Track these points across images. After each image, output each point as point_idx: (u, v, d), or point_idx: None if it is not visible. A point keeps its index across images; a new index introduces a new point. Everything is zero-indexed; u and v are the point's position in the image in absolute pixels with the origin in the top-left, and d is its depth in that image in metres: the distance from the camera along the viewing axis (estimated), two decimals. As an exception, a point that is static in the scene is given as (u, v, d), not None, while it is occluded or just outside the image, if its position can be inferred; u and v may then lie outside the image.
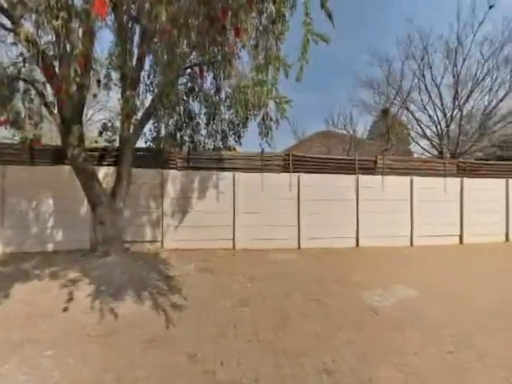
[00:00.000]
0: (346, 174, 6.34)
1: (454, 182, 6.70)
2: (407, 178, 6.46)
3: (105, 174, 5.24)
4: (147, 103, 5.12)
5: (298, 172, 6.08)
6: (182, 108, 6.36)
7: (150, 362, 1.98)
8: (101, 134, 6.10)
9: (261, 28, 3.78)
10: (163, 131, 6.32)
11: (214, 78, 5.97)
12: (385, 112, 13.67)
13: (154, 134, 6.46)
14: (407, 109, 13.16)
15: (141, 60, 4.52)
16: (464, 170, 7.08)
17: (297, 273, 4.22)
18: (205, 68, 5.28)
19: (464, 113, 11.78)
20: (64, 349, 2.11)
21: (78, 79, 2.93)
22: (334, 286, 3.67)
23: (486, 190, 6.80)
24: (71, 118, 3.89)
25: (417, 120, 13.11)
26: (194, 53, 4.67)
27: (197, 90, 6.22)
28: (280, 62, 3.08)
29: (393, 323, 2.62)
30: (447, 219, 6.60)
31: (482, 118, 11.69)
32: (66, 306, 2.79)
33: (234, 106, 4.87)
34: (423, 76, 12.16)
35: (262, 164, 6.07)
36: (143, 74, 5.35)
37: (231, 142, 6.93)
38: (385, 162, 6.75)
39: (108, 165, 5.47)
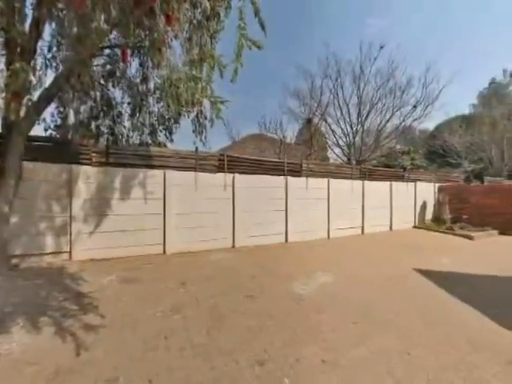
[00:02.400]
0: (277, 175, 6.86)
1: (358, 184, 8.24)
2: (325, 180, 7.53)
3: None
4: (48, 82, 4.13)
5: (232, 172, 6.16)
6: (98, 93, 5.43)
7: (52, 402, 1.60)
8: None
9: (195, 22, 3.65)
10: (72, 118, 5.23)
11: (140, 65, 5.38)
12: (308, 121, 15.53)
13: (59, 120, 5.28)
14: (325, 120, 15.38)
15: (38, 26, 3.60)
16: (364, 174, 8.81)
17: (232, 272, 4.27)
18: (129, 52, 4.68)
19: (364, 128, 14.67)
20: None
21: None
22: (267, 280, 3.90)
23: (378, 190, 8.68)
24: None
25: (332, 131, 15.50)
26: (114, 32, 4.06)
27: (118, 74, 5.45)
28: (215, 61, 3.06)
29: (315, 307, 3.00)
30: (354, 214, 8.06)
31: (376, 134, 14.84)
32: None
33: (164, 99, 4.51)
34: (337, 94, 14.47)
35: (196, 163, 5.85)
36: (42, 44, 4.29)
37: (161, 137, 6.39)
38: (308, 165, 7.66)
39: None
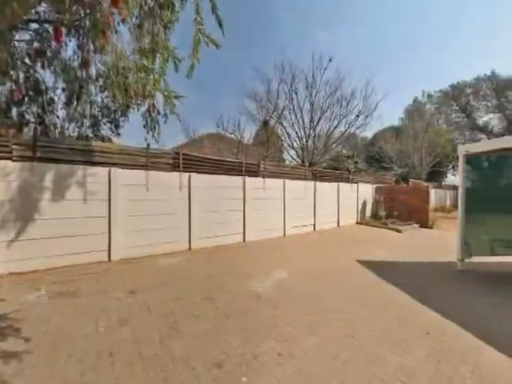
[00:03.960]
0: (235, 175, 6.86)
1: (310, 185, 8.85)
2: (281, 181, 7.86)
3: None
4: None
5: (189, 172, 5.91)
6: (21, 74, 4.56)
7: None
8: None
9: (146, 8, 3.38)
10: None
11: (79, 47, 4.71)
12: (265, 123, 15.97)
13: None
14: (281, 124, 16.05)
15: None
16: (316, 176, 9.51)
17: (188, 275, 4.10)
18: (64, 30, 4.05)
19: (316, 133, 15.83)
20: None
21: None
22: (224, 280, 3.86)
23: (328, 191, 9.48)
24: None
25: (288, 134, 16.28)
26: (45, 4, 3.47)
27: (50, 55, 4.67)
28: (169, 53, 2.88)
29: (272, 303, 3.10)
30: (307, 213, 8.62)
31: (325, 139, 16.16)
32: None
33: (109, 88, 4.05)
34: (292, 99, 15.25)
35: (147, 161, 5.41)
36: None
37: (105, 130, 5.73)
38: (265, 166, 7.88)
39: None
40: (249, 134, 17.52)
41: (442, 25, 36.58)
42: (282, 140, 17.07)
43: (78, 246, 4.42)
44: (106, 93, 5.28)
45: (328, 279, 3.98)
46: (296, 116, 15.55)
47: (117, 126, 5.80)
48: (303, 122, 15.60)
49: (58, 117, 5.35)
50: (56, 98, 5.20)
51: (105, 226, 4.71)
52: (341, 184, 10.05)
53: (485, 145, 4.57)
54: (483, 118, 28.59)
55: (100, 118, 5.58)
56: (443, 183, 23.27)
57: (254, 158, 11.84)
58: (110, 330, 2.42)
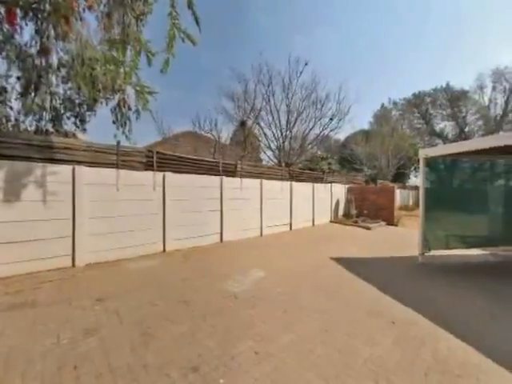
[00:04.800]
0: (212, 175, 6.75)
1: (287, 185, 9.03)
2: (258, 181, 7.91)
3: None
4: None
5: (163, 171, 5.69)
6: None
7: None
8: None
9: (116, -4, 3.18)
10: None
11: (37, 32, 4.28)
12: (242, 124, 15.95)
13: None
14: (258, 124, 16.17)
15: None
16: (292, 176, 9.74)
17: (162, 278, 3.93)
18: (19, 12, 3.66)
19: (292, 134, 16.21)
20: None
21: None
22: (201, 282, 3.78)
23: (303, 191, 9.76)
24: None
25: (265, 134, 16.46)
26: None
27: (1, 38, 4.19)
28: (141, 46, 2.75)
29: (248, 302, 3.11)
30: (284, 213, 8.79)
31: (301, 140, 16.63)
32: None
33: (73, 80, 3.74)
34: (269, 100, 15.44)
35: (117, 159, 5.10)
36: None
37: (69, 125, 5.28)
38: (243, 166, 7.87)
39: None
40: (226, 133, 17.37)
41: (406, 38, 39.74)
42: (259, 140, 17.20)
43: (36, 252, 4.01)
44: (69, 84, 4.85)
45: (304, 277, 4.10)
46: (273, 117, 15.80)
47: (82, 121, 5.36)
48: (280, 123, 15.90)
49: (11, 108, 4.80)
50: (9, 88, 4.66)
51: (68, 229, 4.34)
52: (316, 184, 10.41)
53: (441, 149, 5.06)
54: (440, 125, 31.73)
55: (62, 111, 5.11)
56: (407, 184, 25.29)
57: (231, 158, 11.77)
58: (74, 342, 2.23)
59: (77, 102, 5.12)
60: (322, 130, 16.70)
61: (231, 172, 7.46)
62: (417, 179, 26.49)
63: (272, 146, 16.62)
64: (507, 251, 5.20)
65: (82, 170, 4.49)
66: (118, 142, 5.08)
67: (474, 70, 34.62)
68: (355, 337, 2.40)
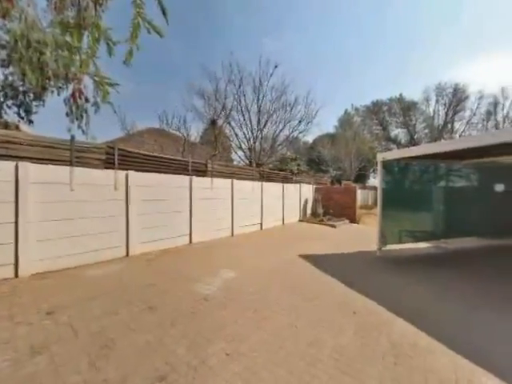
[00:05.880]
0: (181, 174, 6.50)
1: (257, 185, 9.12)
2: (229, 181, 7.85)
3: None
4: None
5: (126, 169, 5.30)
6: None
7: None
8: None
9: (69, -25, 2.88)
10: None
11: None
12: (213, 122, 15.68)
13: None
14: (229, 124, 16.05)
15: None
16: (263, 176, 9.88)
17: (125, 285, 3.66)
18: None
19: (263, 135, 16.44)
20: None
21: None
22: (169, 286, 3.61)
23: (274, 191, 9.96)
24: None
25: (236, 134, 16.40)
26: None
27: None
28: (100, 32, 2.53)
29: (220, 304, 3.06)
30: (254, 212, 8.85)
31: (272, 141, 16.95)
32: None
33: (17, 64, 3.27)
34: (240, 100, 15.43)
35: (71, 155, 4.60)
36: None
37: (10, 115, 4.62)
38: (213, 166, 7.74)
39: None
40: (196, 132, 16.91)
41: (367, 49, 43.01)
42: (230, 140, 17.09)
43: (-34, 263, 3.41)
44: (10, 68, 4.24)
45: (274, 275, 4.18)
46: (244, 117, 15.84)
47: (27, 112, 4.71)
48: (251, 123, 16.00)
49: None
50: None
51: (9, 235, 3.78)
52: (286, 184, 10.70)
53: (395, 153, 5.60)
54: (394, 132, 35.09)
55: (2, 99, 4.44)
56: (367, 184, 27.47)
57: (201, 158, 11.48)
58: (17, 363, 1.95)
59: (21, 89, 4.49)
60: (292, 131, 17.26)
61: (202, 172, 7.28)
62: (375, 180, 28.96)
63: (243, 146, 16.67)
64: (447, 244, 6.05)
65: (27, 167, 3.96)
66: (73, 137, 4.59)
67: (423, 83, 38.97)
68: (321, 329, 2.52)
